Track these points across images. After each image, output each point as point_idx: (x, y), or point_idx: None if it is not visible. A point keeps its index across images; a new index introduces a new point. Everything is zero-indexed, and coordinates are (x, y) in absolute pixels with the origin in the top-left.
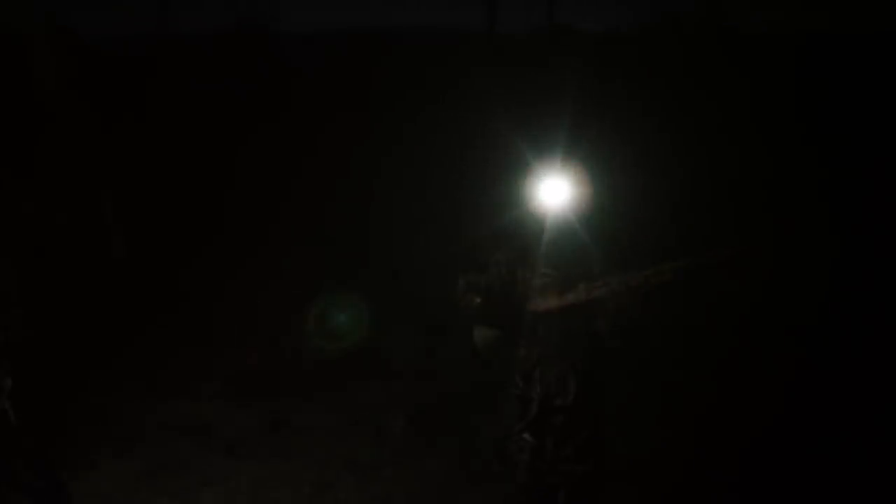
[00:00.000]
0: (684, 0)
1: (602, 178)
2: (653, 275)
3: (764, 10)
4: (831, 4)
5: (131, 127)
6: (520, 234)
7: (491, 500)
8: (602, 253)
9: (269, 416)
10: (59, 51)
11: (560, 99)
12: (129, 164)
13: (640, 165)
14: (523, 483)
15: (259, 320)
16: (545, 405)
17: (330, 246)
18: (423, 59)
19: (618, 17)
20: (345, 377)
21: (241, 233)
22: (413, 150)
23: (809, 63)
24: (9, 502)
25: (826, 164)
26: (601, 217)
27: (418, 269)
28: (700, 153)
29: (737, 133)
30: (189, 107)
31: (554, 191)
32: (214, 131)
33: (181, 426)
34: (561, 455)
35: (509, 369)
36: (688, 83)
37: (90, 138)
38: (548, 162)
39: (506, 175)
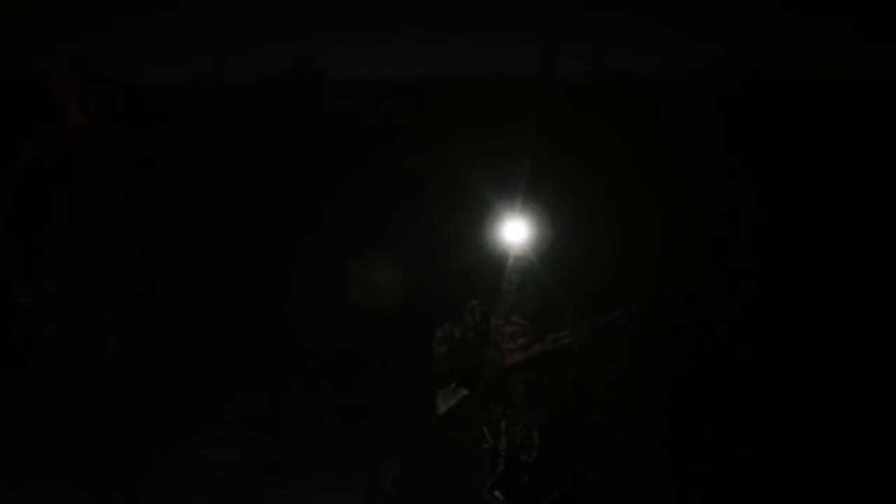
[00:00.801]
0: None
1: (565, 219)
2: (620, 315)
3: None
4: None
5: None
6: (493, 279)
7: None
8: (568, 297)
9: (265, 461)
10: (84, 93)
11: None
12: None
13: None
14: None
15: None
16: (511, 461)
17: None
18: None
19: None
20: (340, 424)
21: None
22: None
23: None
24: None
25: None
26: (564, 260)
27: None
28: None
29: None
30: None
31: (517, 232)
32: (251, 176)
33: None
34: None
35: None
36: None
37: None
38: (511, 203)
39: (472, 216)
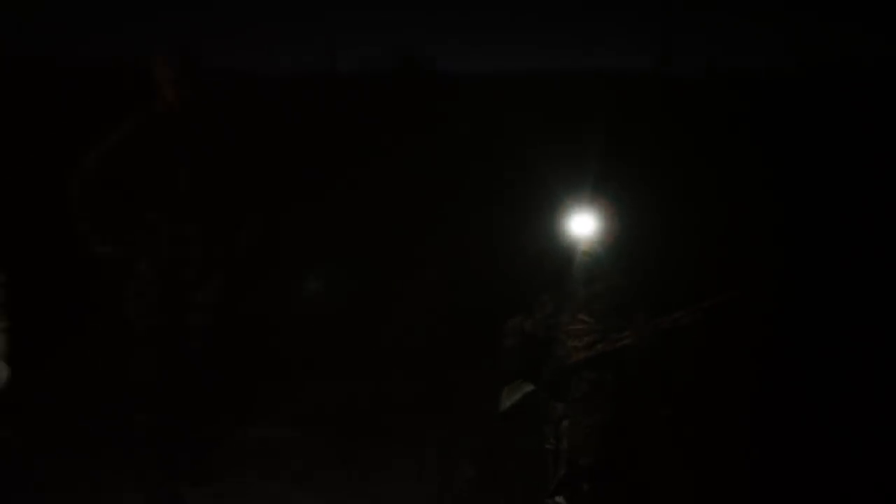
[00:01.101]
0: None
1: (634, 215)
2: (683, 316)
3: None
4: None
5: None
6: (565, 274)
7: None
8: (636, 297)
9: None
10: (179, 76)
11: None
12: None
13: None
14: None
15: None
16: (572, 464)
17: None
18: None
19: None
20: (415, 414)
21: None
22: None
23: None
24: None
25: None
26: (632, 257)
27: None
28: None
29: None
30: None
31: (585, 226)
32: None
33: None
34: None
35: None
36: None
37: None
38: (580, 196)
39: (543, 209)
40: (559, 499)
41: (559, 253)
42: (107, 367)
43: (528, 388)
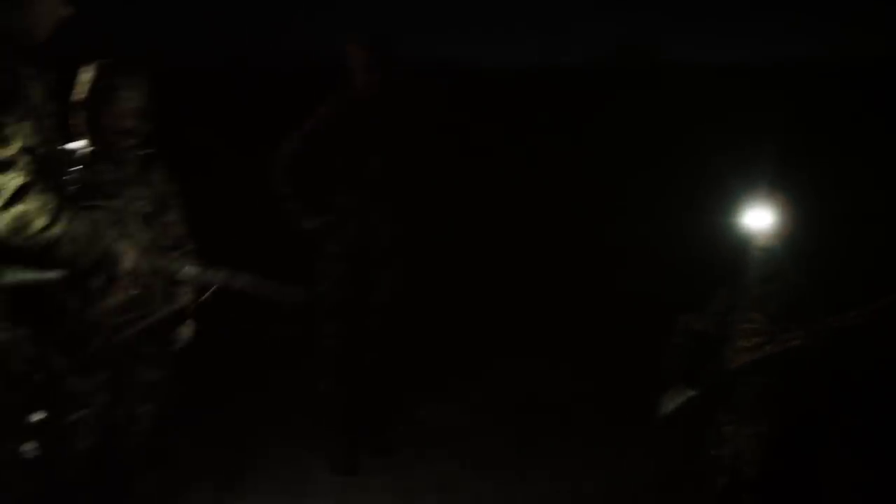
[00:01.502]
0: None
1: (812, 211)
2: (856, 316)
3: None
4: None
5: None
6: (741, 270)
7: None
8: (814, 297)
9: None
10: (373, 62)
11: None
12: None
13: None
14: None
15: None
16: (735, 474)
17: None
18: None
19: None
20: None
21: None
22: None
23: None
24: None
25: None
26: (809, 252)
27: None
28: None
29: None
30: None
31: (762, 220)
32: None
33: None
34: None
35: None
36: None
37: None
38: (756, 190)
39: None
40: None
41: (735, 248)
42: (294, 335)
43: (691, 392)
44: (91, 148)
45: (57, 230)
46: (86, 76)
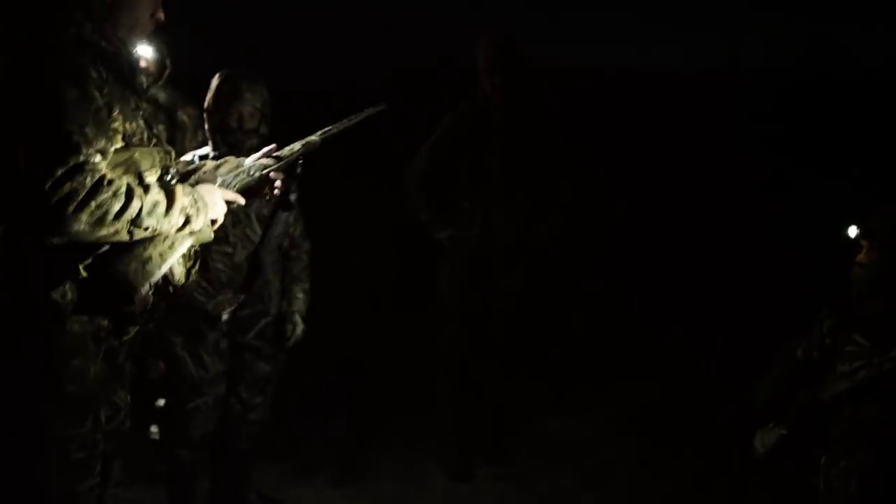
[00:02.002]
0: None
1: None
2: None
3: None
4: None
5: None
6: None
7: None
8: None
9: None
10: (498, 68)
11: None
12: None
13: None
14: None
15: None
16: None
17: None
18: None
19: None
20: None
21: None
22: None
23: None
24: None
25: None
26: None
27: None
28: None
29: None
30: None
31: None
32: None
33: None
34: None
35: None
36: None
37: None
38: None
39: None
40: None
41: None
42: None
43: (782, 430)
44: (217, 151)
45: (134, 208)
46: (213, 84)
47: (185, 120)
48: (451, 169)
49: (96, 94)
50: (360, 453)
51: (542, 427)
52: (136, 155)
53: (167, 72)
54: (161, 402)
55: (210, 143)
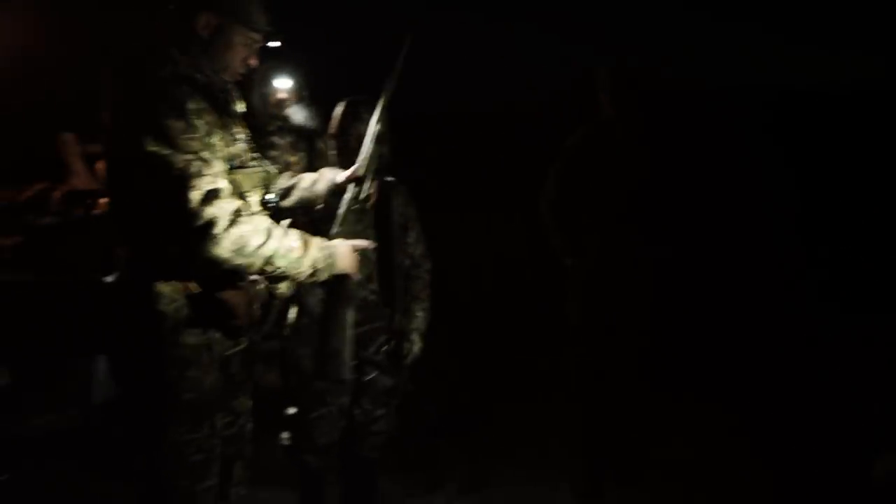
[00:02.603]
0: None
1: None
2: None
3: None
4: None
5: None
6: None
7: None
8: None
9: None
10: (617, 87)
11: None
12: None
13: None
14: None
15: None
16: None
17: None
18: None
19: None
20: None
21: None
22: None
23: None
24: None
25: None
26: None
27: None
28: None
29: None
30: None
31: None
32: None
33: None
34: None
35: None
36: None
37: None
38: None
39: None
40: None
41: None
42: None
43: None
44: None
45: (270, 247)
46: (337, 110)
47: (323, 147)
48: (578, 192)
49: (197, 122)
50: (490, 470)
51: (676, 449)
52: (239, 177)
53: (302, 99)
54: (291, 410)
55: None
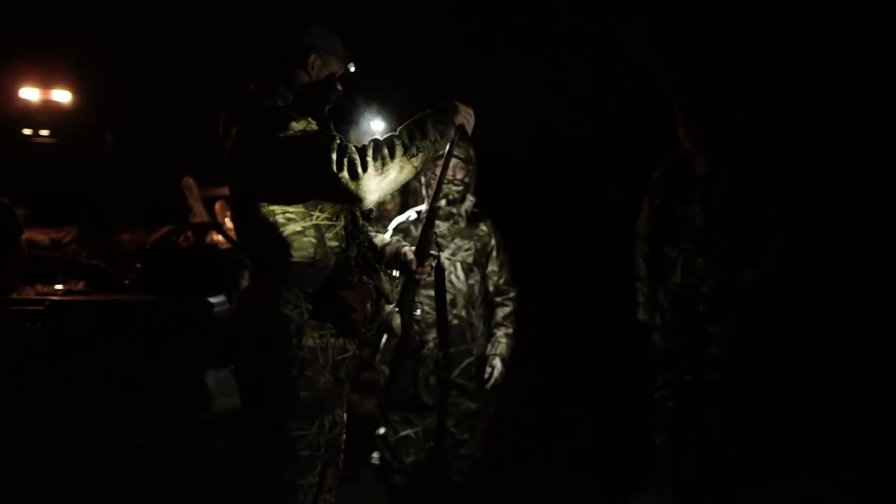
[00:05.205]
0: None
1: None
2: None
3: None
4: None
5: None
6: None
7: None
8: None
9: None
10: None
11: None
12: None
13: None
14: None
15: None
16: None
17: None
18: None
19: None
20: None
21: None
22: None
23: None
24: None
25: None
26: None
27: None
28: None
29: None
30: None
31: None
32: None
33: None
34: None
35: None
36: None
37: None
38: None
39: None
40: None
41: None
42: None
43: None
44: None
45: (399, 148)
46: None
47: (416, 185)
48: (666, 221)
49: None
50: (576, 499)
51: (772, 485)
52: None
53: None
54: (381, 430)
55: (425, 197)
